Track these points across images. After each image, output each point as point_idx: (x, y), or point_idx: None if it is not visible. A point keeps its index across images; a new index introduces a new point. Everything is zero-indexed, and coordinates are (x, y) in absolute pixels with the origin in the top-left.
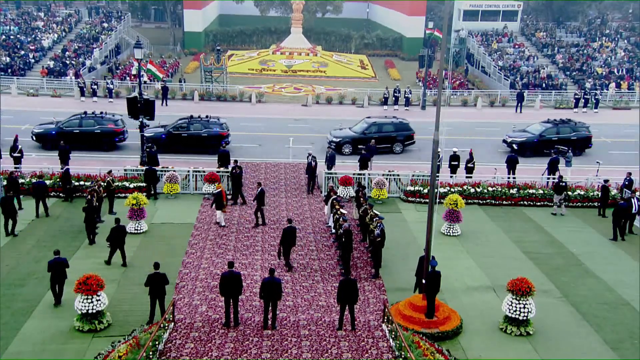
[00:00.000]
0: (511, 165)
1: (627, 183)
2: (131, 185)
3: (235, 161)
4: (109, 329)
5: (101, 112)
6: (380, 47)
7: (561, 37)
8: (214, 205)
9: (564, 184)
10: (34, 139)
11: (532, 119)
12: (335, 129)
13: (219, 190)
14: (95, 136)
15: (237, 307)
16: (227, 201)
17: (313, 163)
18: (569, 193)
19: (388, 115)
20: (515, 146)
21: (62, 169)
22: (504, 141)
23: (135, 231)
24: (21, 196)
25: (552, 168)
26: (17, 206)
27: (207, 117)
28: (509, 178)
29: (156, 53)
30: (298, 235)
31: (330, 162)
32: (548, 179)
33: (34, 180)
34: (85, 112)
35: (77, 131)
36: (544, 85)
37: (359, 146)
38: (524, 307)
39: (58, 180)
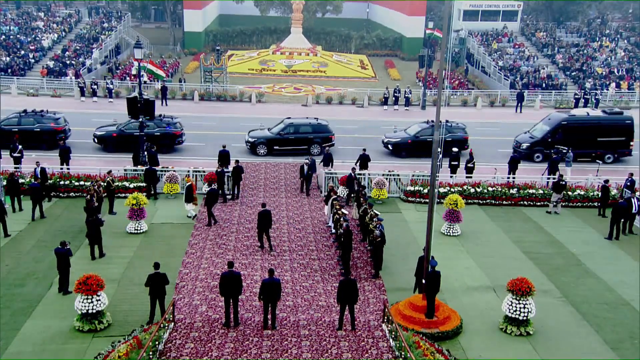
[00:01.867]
0: (513, 165)
1: (629, 184)
2: (131, 185)
3: (237, 161)
4: (109, 329)
5: (41, 110)
6: (380, 47)
7: (561, 37)
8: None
9: (563, 182)
10: None
11: (532, 119)
12: (253, 129)
13: (189, 184)
14: (35, 134)
15: (237, 307)
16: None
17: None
18: (569, 193)
19: (309, 116)
20: (390, 147)
21: (36, 168)
22: (382, 142)
23: (135, 231)
24: (21, 196)
25: (552, 168)
26: (8, 208)
27: (160, 115)
28: (509, 178)
29: (156, 53)
30: (298, 235)
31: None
32: (548, 179)
33: (32, 181)
34: (25, 110)
35: (16, 129)
36: (544, 85)
37: (275, 147)
38: (524, 307)
39: (58, 180)
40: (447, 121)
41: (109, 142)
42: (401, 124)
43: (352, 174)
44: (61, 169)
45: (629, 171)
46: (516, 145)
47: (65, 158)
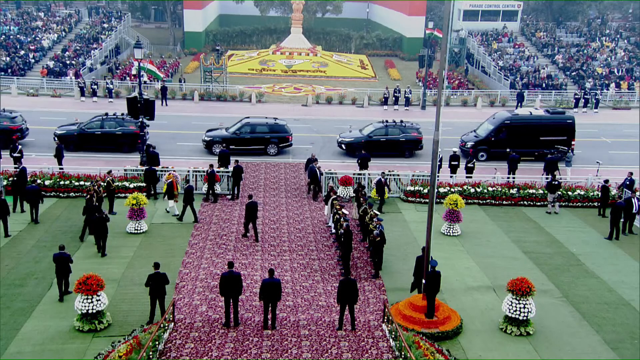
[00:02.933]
0: (512, 164)
1: (628, 183)
2: (131, 185)
3: (237, 161)
4: (109, 329)
5: None
6: (380, 47)
7: (561, 37)
8: (165, 195)
9: (557, 182)
10: None
11: None
12: (212, 128)
13: (170, 180)
14: None
15: (237, 307)
16: (178, 191)
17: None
18: (569, 193)
19: (268, 116)
20: (343, 146)
21: (18, 168)
22: (337, 141)
23: (135, 231)
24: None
25: (550, 168)
26: (10, 208)
27: (122, 114)
28: (508, 178)
29: (156, 53)
30: (298, 235)
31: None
32: (547, 178)
33: (27, 185)
34: None
35: None
36: (544, 85)
37: (231, 146)
38: (524, 307)
39: (59, 180)
40: (401, 121)
41: (69, 142)
42: None
43: (382, 179)
44: (61, 169)
45: (629, 170)
46: (462, 144)
47: (60, 157)
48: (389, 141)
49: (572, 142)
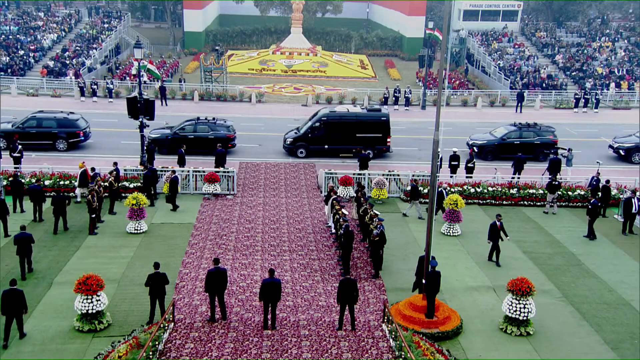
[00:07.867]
0: (518, 165)
1: (595, 182)
2: (131, 185)
3: (173, 171)
4: (109, 329)
5: None
6: (380, 47)
7: (561, 37)
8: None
9: (556, 183)
10: None
11: (533, 119)
12: (3, 122)
13: (83, 169)
14: None
15: (223, 302)
16: (91, 179)
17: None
18: (569, 193)
19: (64, 110)
20: (162, 143)
21: (18, 168)
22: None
23: (135, 231)
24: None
25: (553, 168)
26: (9, 208)
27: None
28: (512, 178)
29: (156, 53)
30: (298, 235)
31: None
32: (549, 178)
33: (30, 185)
34: None
35: None
36: (544, 85)
37: (18, 141)
38: (524, 307)
39: (58, 180)
40: (213, 118)
41: None
42: (400, 124)
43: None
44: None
45: (598, 170)
46: (283, 140)
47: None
48: (197, 139)
49: (388, 139)
